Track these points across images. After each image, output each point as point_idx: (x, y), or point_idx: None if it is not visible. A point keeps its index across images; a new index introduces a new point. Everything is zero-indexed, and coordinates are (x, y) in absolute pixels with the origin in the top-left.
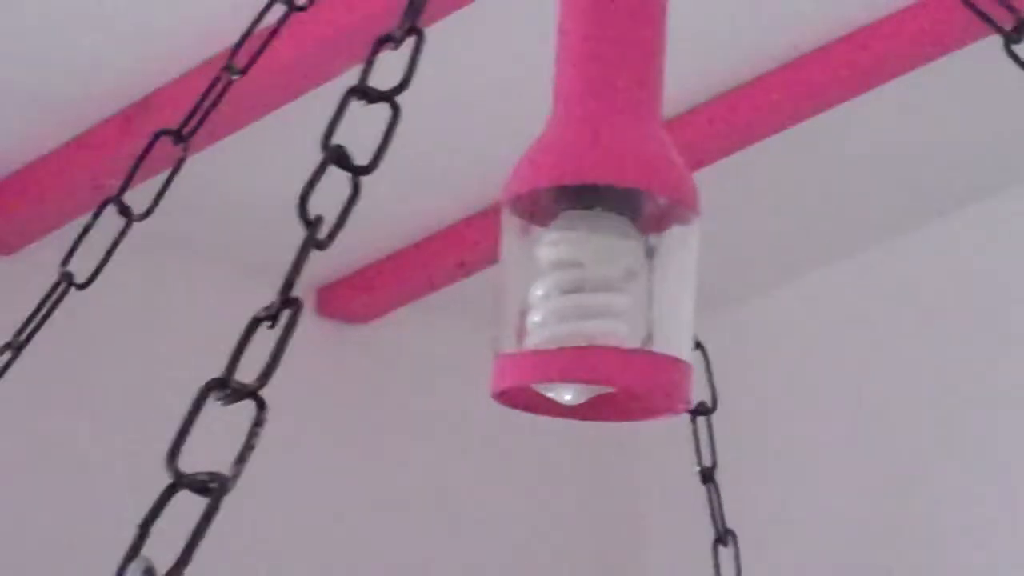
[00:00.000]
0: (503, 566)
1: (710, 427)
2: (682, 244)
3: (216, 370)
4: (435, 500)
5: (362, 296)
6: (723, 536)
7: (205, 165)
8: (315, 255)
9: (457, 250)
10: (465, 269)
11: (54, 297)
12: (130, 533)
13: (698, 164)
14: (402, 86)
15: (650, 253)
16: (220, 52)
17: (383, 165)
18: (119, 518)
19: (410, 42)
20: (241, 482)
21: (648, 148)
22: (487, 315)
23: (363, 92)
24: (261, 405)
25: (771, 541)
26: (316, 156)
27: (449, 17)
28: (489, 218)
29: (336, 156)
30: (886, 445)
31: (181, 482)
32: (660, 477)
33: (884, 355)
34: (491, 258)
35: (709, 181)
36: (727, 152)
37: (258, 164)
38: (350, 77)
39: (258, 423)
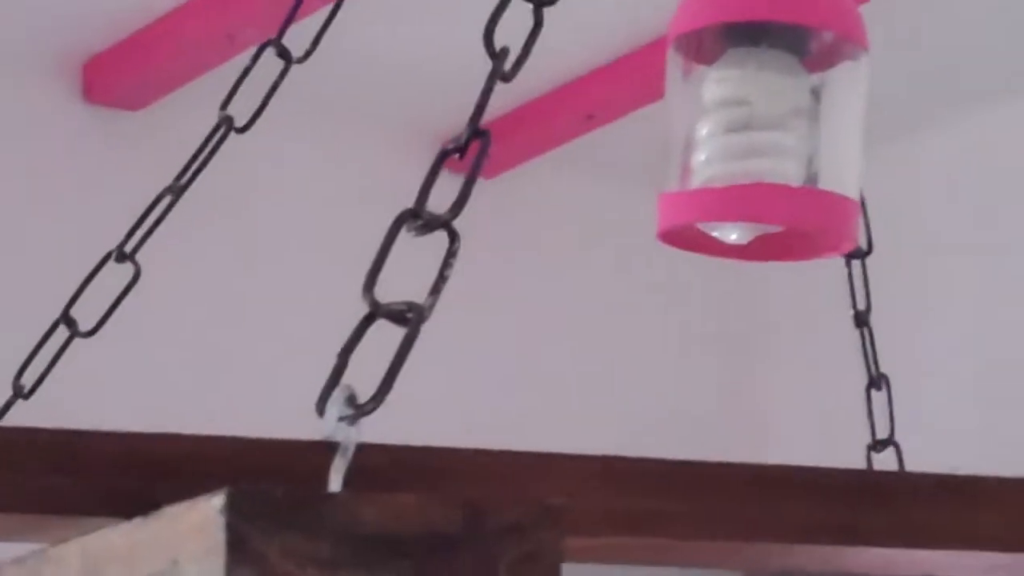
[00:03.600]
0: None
1: (864, 271)
2: (850, 81)
3: (368, 211)
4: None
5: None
6: (876, 380)
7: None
8: (438, 107)
9: (585, 102)
10: (593, 121)
11: (215, 140)
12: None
13: None
14: None
15: (817, 90)
16: None
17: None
18: (312, 350)
19: None
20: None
21: None
22: (614, 167)
23: None
24: (453, 236)
25: (923, 386)
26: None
27: None
28: (614, 70)
29: None
30: None
31: (379, 312)
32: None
33: None
34: (619, 110)
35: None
36: None
37: (393, 20)
38: None
39: (452, 254)
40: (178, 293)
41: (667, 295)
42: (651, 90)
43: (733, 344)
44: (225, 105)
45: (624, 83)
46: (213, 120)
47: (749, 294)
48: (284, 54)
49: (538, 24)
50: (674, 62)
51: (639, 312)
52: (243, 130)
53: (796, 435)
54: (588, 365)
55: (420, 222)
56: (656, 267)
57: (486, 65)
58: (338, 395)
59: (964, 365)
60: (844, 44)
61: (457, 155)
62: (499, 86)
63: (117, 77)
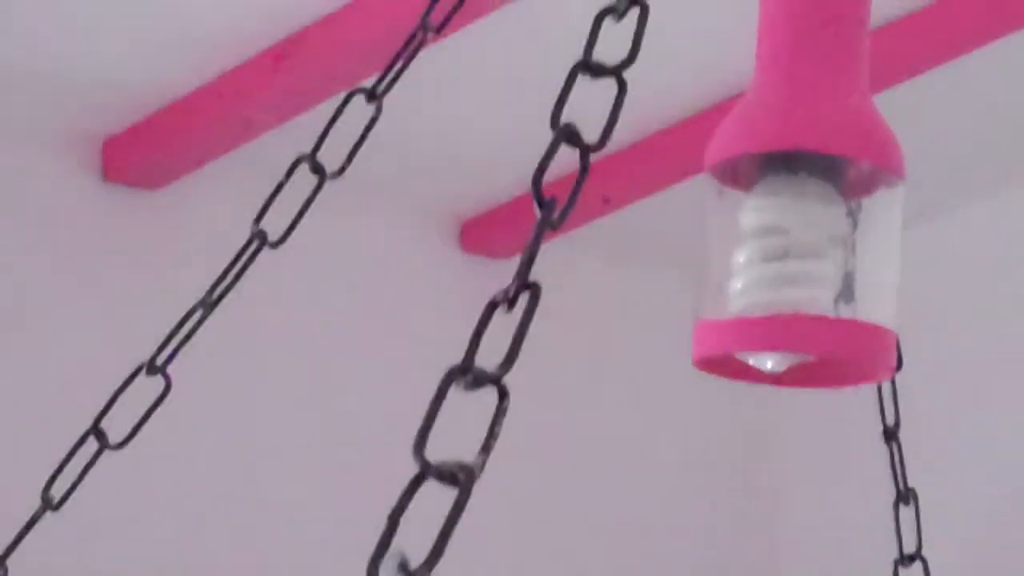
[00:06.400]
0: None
1: (894, 385)
2: (887, 209)
3: (402, 330)
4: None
5: (504, 231)
6: (904, 494)
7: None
8: (458, 190)
9: (602, 186)
10: (610, 205)
11: (247, 255)
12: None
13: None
14: (629, 61)
15: (854, 218)
16: None
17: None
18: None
19: (633, 14)
20: None
21: (853, 113)
22: (630, 251)
23: (589, 67)
24: (504, 393)
25: (949, 499)
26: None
27: None
28: (631, 155)
29: (567, 134)
30: None
31: (429, 472)
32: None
33: None
34: (636, 194)
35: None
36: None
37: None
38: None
39: (502, 411)
40: (211, 410)
41: (680, 395)
42: (667, 174)
43: (750, 456)
44: (259, 220)
45: (641, 167)
46: (230, 202)
47: (764, 405)
48: (318, 170)
49: (585, 169)
50: (710, 187)
51: (649, 408)
52: (276, 245)
53: (815, 552)
54: (585, 473)
55: (470, 378)
56: (669, 359)
57: (509, 152)
58: (389, 562)
59: (984, 474)
60: (880, 173)
61: (506, 307)
62: (515, 166)
63: (136, 157)
